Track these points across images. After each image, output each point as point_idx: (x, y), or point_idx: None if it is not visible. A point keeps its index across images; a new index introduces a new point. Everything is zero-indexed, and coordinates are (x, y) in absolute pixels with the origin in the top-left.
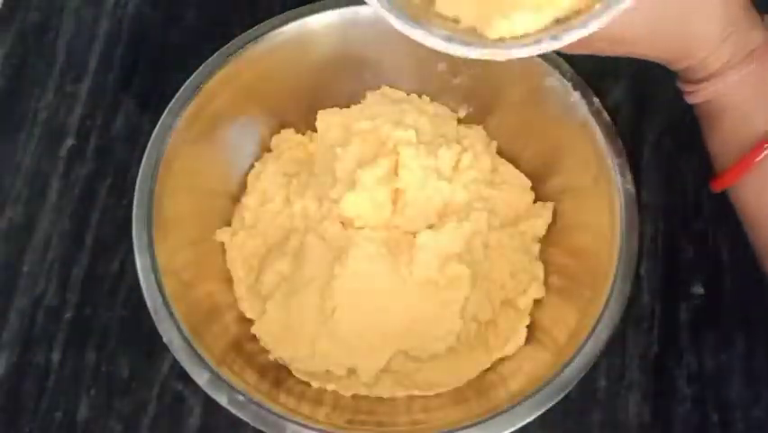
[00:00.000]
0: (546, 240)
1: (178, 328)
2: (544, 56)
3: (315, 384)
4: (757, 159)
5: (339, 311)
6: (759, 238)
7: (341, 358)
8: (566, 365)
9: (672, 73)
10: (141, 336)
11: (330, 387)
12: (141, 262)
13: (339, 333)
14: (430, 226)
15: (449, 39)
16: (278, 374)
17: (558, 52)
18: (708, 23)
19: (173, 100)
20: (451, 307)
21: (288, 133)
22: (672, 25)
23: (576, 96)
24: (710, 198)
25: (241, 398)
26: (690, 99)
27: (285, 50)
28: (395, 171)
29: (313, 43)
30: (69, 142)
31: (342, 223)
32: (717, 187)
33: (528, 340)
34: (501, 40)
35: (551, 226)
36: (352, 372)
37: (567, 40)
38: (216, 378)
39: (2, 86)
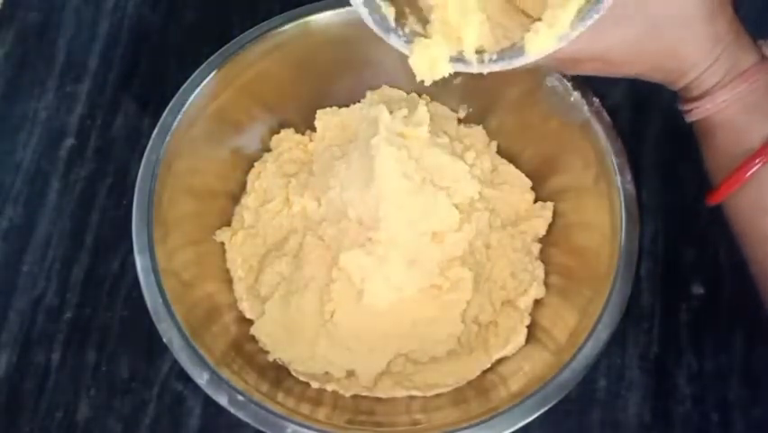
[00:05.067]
0: (546, 240)
1: (178, 328)
2: None
3: (314, 385)
4: (748, 174)
5: (338, 314)
6: (752, 253)
7: (340, 361)
8: (566, 365)
9: None
10: (141, 336)
11: (330, 387)
12: (141, 262)
13: (338, 335)
14: None
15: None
16: (278, 374)
17: None
18: (694, 45)
19: (173, 100)
20: (452, 310)
21: (287, 133)
22: (658, 46)
23: (576, 96)
24: None
25: (241, 398)
26: (688, 118)
27: (285, 50)
28: None
29: (313, 43)
30: (69, 142)
31: None
32: (711, 201)
33: (528, 340)
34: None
35: (551, 226)
36: (351, 374)
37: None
38: (216, 378)
39: (2, 86)
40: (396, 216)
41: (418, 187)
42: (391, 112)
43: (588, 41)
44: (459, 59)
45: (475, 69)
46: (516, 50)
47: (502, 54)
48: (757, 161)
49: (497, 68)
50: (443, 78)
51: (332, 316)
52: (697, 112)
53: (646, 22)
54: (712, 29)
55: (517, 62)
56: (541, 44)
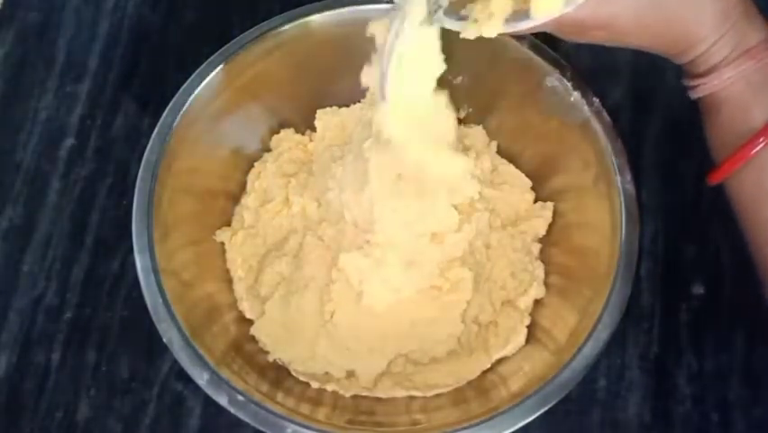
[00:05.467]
0: (546, 240)
1: (178, 328)
2: (544, 56)
3: (314, 385)
4: (752, 152)
5: (338, 314)
6: (752, 232)
7: (340, 361)
8: (566, 365)
9: (672, 74)
10: (141, 336)
11: (330, 387)
12: (141, 262)
13: (338, 336)
14: None
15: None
16: (278, 374)
17: (562, 48)
18: (700, 17)
19: (173, 100)
20: (452, 310)
21: (287, 133)
22: (663, 17)
23: (576, 95)
24: (711, 197)
25: (241, 398)
26: (693, 94)
27: (285, 50)
28: None
29: (313, 43)
30: (69, 142)
31: None
32: (713, 179)
33: (528, 340)
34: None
35: (551, 226)
36: (351, 374)
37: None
38: (216, 378)
39: (2, 86)
40: (391, 219)
41: (414, 189)
42: None
43: (593, 8)
44: (461, 17)
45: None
46: (521, 13)
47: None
48: (761, 139)
49: (501, 30)
50: (446, 78)
51: (332, 316)
52: (702, 88)
53: None
54: (720, 4)
55: (523, 25)
56: (547, 8)
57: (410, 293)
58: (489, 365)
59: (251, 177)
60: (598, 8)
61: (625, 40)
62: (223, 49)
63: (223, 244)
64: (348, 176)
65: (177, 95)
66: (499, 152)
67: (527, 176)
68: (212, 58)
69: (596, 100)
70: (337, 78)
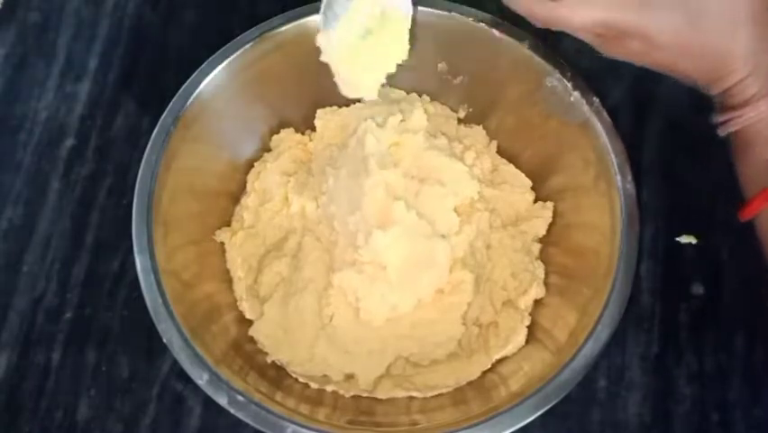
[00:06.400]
0: (546, 240)
1: (178, 328)
2: (544, 56)
3: (313, 386)
4: None
5: (337, 318)
6: None
7: (339, 364)
8: (566, 365)
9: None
10: (141, 336)
11: (329, 388)
12: (141, 262)
13: (337, 339)
14: None
15: None
16: (278, 374)
17: (562, 48)
18: (741, 44)
19: (173, 100)
20: (453, 313)
21: (287, 133)
22: (697, 38)
23: (576, 95)
24: (710, 197)
25: (240, 398)
26: (726, 128)
27: (285, 50)
28: None
29: (313, 43)
30: (69, 142)
31: None
32: (744, 215)
33: (528, 340)
34: None
35: (551, 226)
36: (350, 377)
37: None
38: (216, 378)
39: (2, 86)
40: (382, 249)
41: (411, 228)
42: (381, 121)
43: (637, 16)
44: None
45: None
46: None
47: None
48: None
49: None
50: (446, 78)
51: (330, 319)
52: (737, 121)
53: (696, 11)
54: (759, 31)
55: None
56: None
57: (408, 308)
58: (489, 366)
59: (250, 177)
60: (642, 15)
61: (659, 55)
62: (223, 49)
63: (223, 244)
64: (340, 192)
65: (177, 95)
66: (499, 152)
67: (527, 176)
68: (212, 58)
69: (596, 100)
70: None
